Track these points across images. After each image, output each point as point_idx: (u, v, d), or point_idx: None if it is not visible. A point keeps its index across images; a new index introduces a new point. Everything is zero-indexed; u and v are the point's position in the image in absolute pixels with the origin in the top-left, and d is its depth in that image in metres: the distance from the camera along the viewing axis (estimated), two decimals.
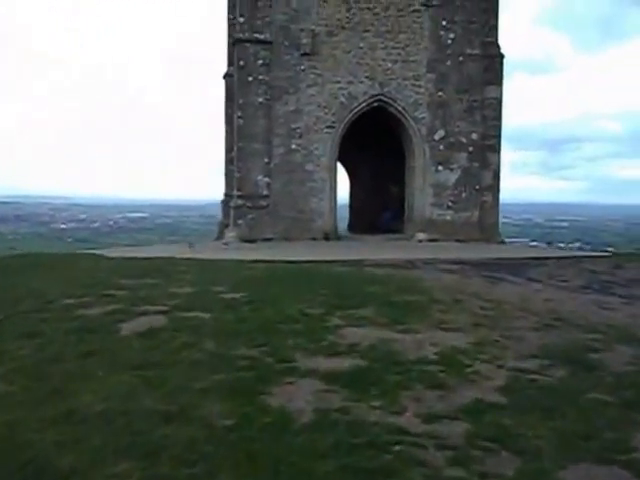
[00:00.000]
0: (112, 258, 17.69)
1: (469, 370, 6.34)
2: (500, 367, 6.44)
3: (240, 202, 20.59)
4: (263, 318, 8.24)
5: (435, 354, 6.90)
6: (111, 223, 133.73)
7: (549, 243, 66.77)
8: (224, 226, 24.07)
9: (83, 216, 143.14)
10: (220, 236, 24.10)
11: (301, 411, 5.23)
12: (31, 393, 5.69)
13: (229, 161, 24.64)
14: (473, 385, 5.93)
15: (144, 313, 8.59)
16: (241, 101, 20.62)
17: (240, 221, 20.45)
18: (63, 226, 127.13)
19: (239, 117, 20.65)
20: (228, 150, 24.70)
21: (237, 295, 9.83)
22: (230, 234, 20.44)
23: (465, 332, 7.91)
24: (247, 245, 19.74)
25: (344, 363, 6.48)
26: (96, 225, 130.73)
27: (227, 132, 24.73)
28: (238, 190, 20.70)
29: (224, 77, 24.98)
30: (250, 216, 20.50)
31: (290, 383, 5.91)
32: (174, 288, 10.78)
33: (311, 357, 6.69)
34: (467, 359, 6.74)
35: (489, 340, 7.47)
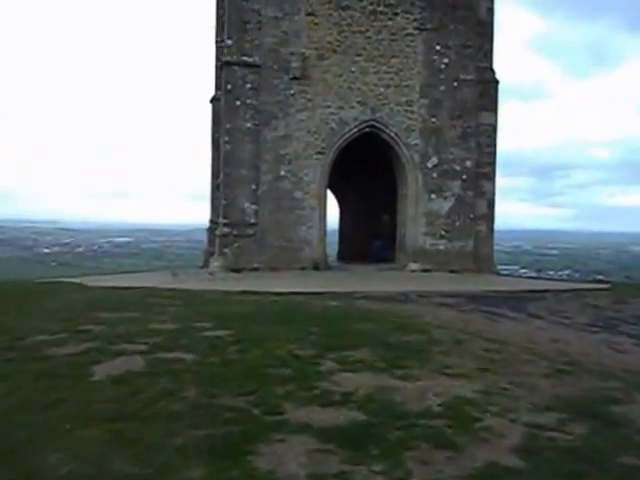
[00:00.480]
0: (92, 288, 17.05)
1: (479, 425, 5.75)
2: (513, 421, 5.86)
3: (226, 230, 20.03)
4: (250, 361, 7.63)
5: (440, 405, 6.32)
6: (95, 247, 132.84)
7: (539, 270, 66.64)
8: (209, 254, 23.48)
9: (68, 240, 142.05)
10: (205, 264, 23.50)
11: (293, 477, 4.64)
12: None
13: (215, 187, 24.14)
14: (485, 444, 5.35)
15: (121, 353, 7.97)
16: (228, 126, 20.15)
17: (226, 250, 19.87)
18: (47, 250, 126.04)
19: (226, 142, 20.16)
20: (214, 176, 24.23)
21: (222, 333, 9.22)
22: (215, 263, 19.84)
23: (470, 378, 7.34)
24: (233, 275, 19.14)
25: (339, 416, 5.89)
26: (80, 250, 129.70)
27: (213, 158, 24.27)
28: (224, 217, 20.14)
29: (211, 101, 24.58)
30: (236, 244, 19.94)
31: (280, 440, 5.30)
32: (155, 324, 10.17)
33: (303, 408, 6.09)
34: (476, 411, 6.16)
35: (497, 388, 6.90)
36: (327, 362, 7.74)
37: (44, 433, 5.39)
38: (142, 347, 8.31)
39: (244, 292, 15.24)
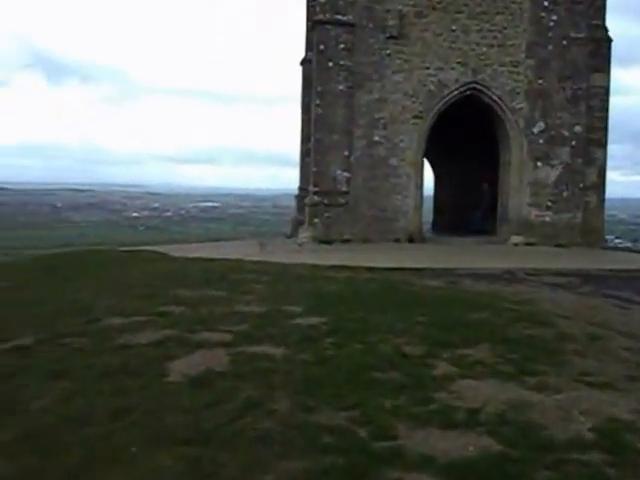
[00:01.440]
0: (175, 259, 16.41)
1: None
2: None
3: (316, 199, 18.91)
4: (350, 359, 6.48)
5: (590, 430, 5.01)
6: (182, 212, 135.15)
7: (635, 241, 62.59)
8: (298, 223, 22.54)
9: (156, 204, 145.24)
10: (293, 233, 22.58)
11: None
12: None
13: (305, 153, 23.08)
14: None
15: (201, 345, 6.99)
16: (320, 89, 18.89)
17: (316, 220, 18.78)
18: (135, 214, 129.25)
19: (317, 106, 18.93)
20: (304, 141, 23.15)
21: (315, 321, 8.14)
22: (304, 234, 18.80)
23: (620, 390, 5.96)
24: (323, 247, 18.08)
25: (467, 444, 4.68)
26: (168, 214, 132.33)
27: (303, 122, 23.16)
28: (314, 185, 19.02)
29: (301, 63, 23.45)
30: (327, 214, 18.79)
31: None
32: (240, 305, 9.23)
33: (419, 430, 4.90)
34: (638, 441, 4.84)
35: None
36: (441, 363, 6.51)
37: (105, 455, 4.43)
38: (226, 337, 7.33)
39: (335, 266, 14.19)
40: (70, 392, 5.62)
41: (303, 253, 17.13)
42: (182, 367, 6.24)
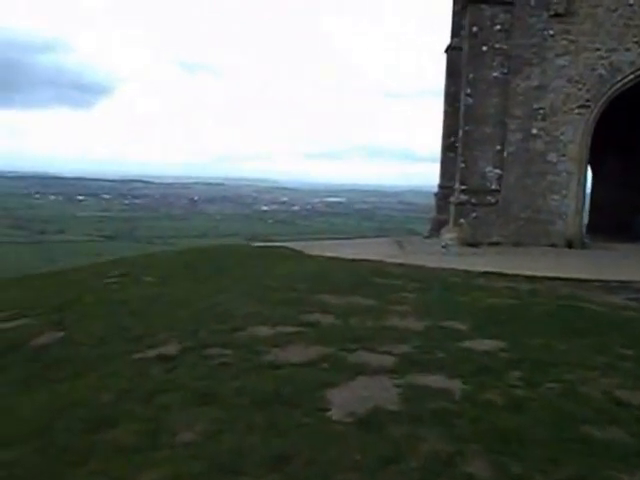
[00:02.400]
0: (312, 258, 15.57)
1: None
2: None
3: (463, 197, 17.46)
4: (550, 406, 5.18)
5: None
6: (309, 207, 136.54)
7: None
8: (438, 223, 21.22)
9: (284, 199, 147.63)
10: (432, 234, 21.25)
11: None
12: None
13: (447, 148, 21.71)
14: None
15: (360, 369, 5.94)
16: (471, 76, 17.37)
17: (462, 220, 17.34)
18: (265, 208, 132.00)
19: (467, 95, 17.43)
20: (447, 135, 21.76)
21: (490, 345, 6.89)
22: (449, 235, 17.43)
23: None
24: (470, 250, 16.66)
25: None
26: (295, 208, 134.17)
27: (447, 114, 21.76)
28: (461, 183, 17.57)
29: (446, 50, 22.00)
30: (474, 214, 17.31)
31: None
32: (394, 318, 8.15)
33: None
34: None
35: None
36: None
37: None
38: (387, 360, 6.26)
39: (489, 273, 12.82)
40: (219, 424, 4.72)
41: (448, 256, 15.82)
42: (344, 399, 5.21)
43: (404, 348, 6.71)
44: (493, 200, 17.31)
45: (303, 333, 7.30)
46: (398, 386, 5.54)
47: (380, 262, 14.57)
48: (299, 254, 16.85)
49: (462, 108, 17.79)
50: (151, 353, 6.65)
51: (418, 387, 5.51)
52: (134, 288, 11.33)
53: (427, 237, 21.51)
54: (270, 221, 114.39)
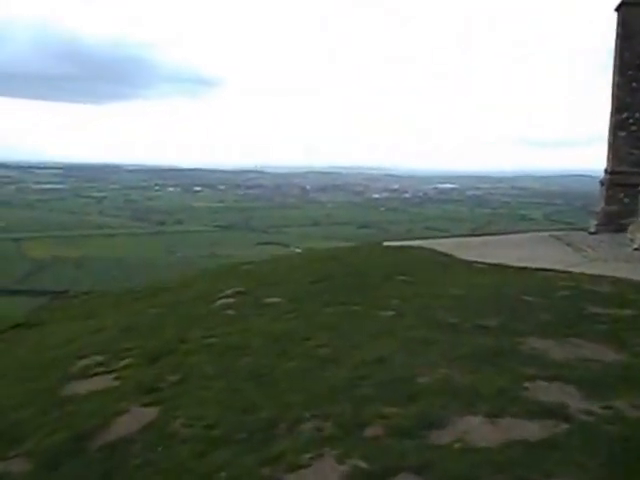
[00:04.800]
0: (473, 266, 12.03)
1: None
2: None
3: None
4: None
5: None
6: (421, 194, 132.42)
7: None
8: (608, 216, 17.09)
9: (395, 186, 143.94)
10: (601, 229, 17.11)
11: None
12: None
13: (617, 126, 17.48)
14: None
15: None
16: None
17: None
18: (376, 196, 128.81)
19: None
20: (618, 110, 17.51)
21: None
22: None
23: None
24: None
25: None
26: (407, 195, 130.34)
27: (618, 86, 17.51)
28: None
29: (617, 8, 17.72)
30: None
31: None
32: None
33: None
34: None
35: None
36: None
37: None
38: None
39: None
40: None
41: None
42: None
43: None
44: None
45: (559, 439, 3.85)
46: None
47: (568, 274, 10.86)
48: (451, 260, 13.36)
49: None
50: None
51: None
52: (255, 319, 8.20)
53: (593, 233, 17.33)
54: (382, 209, 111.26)
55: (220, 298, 10.11)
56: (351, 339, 6.64)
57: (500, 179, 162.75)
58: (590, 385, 4.89)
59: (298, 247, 67.75)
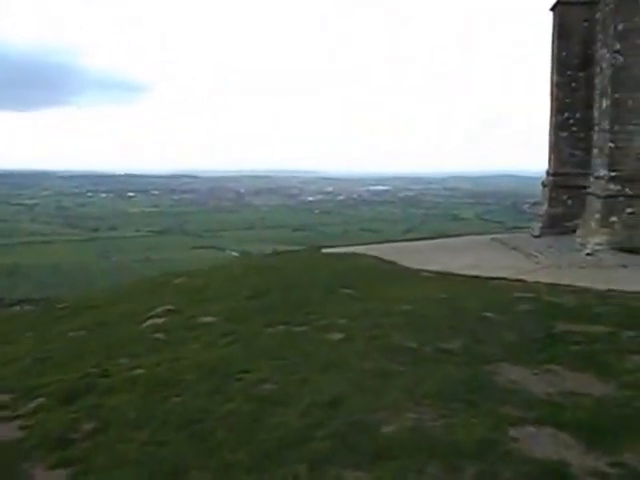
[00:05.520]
0: (419, 275, 11.26)
1: None
2: None
3: (614, 188, 12.68)
4: None
5: None
6: (355, 196, 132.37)
7: None
8: (552, 219, 16.69)
9: (329, 189, 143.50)
10: (545, 232, 16.66)
11: None
12: None
13: (558, 127, 17.11)
14: None
15: None
16: (621, 27, 12.58)
17: (613, 218, 12.59)
18: (310, 198, 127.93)
19: (615, 53, 12.65)
20: (558, 111, 17.12)
21: None
22: (596, 239, 12.67)
23: None
24: (628, 258, 11.98)
25: None
26: (341, 198, 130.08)
27: (558, 85, 17.15)
28: (610, 168, 12.79)
29: (552, 8, 17.41)
30: (631, 210, 12.57)
31: None
32: None
33: None
34: None
35: None
36: None
37: None
38: None
39: None
40: None
41: (602, 269, 11.28)
42: None
43: None
44: None
45: None
46: None
47: (522, 283, 10.17)
48: (395, 268, 12.55)
49: (606, 71, 13.04)
50: None
51: None
52: (187, 344, 7.14)
53: (537, 236, 16.85)
54: (316, 211, 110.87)
55: (149, 318, 9.03)
56: (297, 371, 5.66)
57: (432, 180, 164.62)
58: (588, 432, 4.05)
59: (234, 251, 66.78)
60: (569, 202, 16.46)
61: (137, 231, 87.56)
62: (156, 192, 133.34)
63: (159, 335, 7.87)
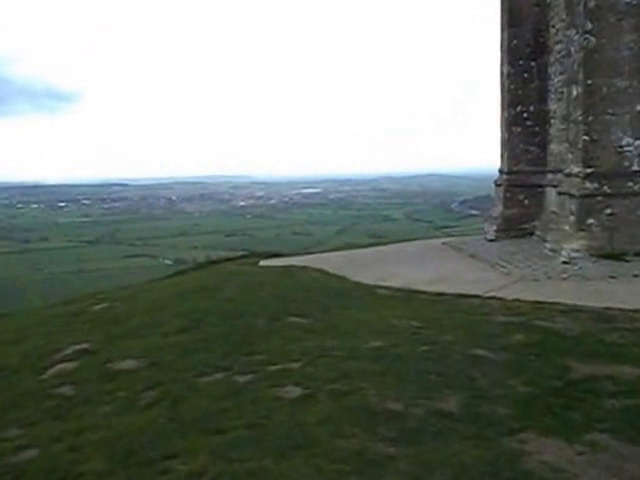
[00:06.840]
0: (376, 293, 9.17)
1: None
2: None
3: (590, 186, 10.71)
4: None
5: None
6: (286, 199, 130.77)
7: None
8: (507, 221, 14.91)
9: (261, 193, 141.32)
10: (500, 236, 14.82)
11: None
12: None
13: (511, 122, 15.33)
14: None
15: None
16: (593, 4, 10.68)
17: (591, 220, 10.67)
18: (242, 203, 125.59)
19: (586, 33, 10.75)
20: (510, 105, 15.33)
21: None
22: (574, 244, 10.70)
23: None
24: (610, 265, 10.09)
25: None
26: (272, 202, 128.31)
27: (509, 77, 15.34)
28: (584, 163, 10.85)
29: None
30: (609, 211, 10.68)
31: None
32: None
33: None
34: None
35: None
36: None
37: None
38: None
39: None
40: None
41: (581, 281, 9.40)
42: None
43: None
44: (637, 187, 10.72)
45: None
46: None
47: (500, 301, 8.21)
48: (346, 284, 10.36)
49: (575, 55, 11.07)
50: None
51: None
52: (100, 404, 4.92)
53: (492, 240, 14.97)
54: (248, 216, 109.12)
55: (57, 362, 6.64)
56: (247, 459, 3.42)
57: (360, 182, 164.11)
58: None
59: (167, 259, 64.39)
60: (525, 202, 14.71)
61: (69, 241, 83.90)
62: (87, 201, 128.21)
63: (65, 390, 5.65)
